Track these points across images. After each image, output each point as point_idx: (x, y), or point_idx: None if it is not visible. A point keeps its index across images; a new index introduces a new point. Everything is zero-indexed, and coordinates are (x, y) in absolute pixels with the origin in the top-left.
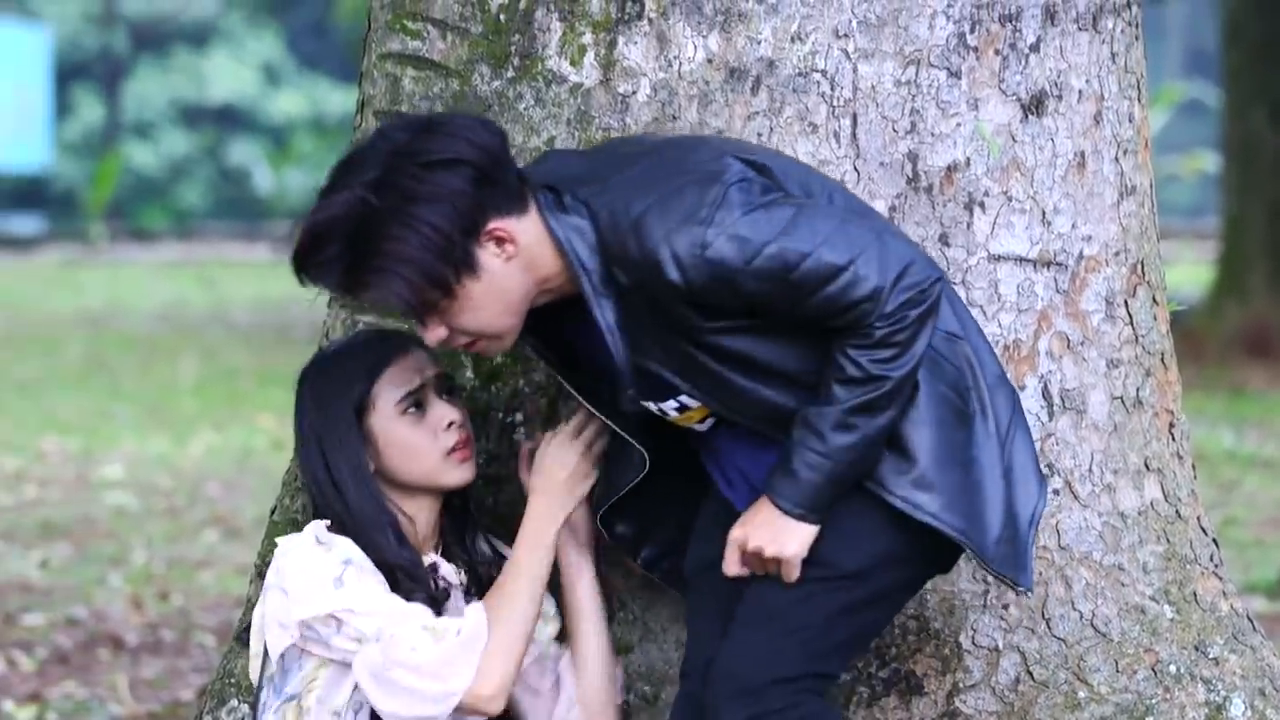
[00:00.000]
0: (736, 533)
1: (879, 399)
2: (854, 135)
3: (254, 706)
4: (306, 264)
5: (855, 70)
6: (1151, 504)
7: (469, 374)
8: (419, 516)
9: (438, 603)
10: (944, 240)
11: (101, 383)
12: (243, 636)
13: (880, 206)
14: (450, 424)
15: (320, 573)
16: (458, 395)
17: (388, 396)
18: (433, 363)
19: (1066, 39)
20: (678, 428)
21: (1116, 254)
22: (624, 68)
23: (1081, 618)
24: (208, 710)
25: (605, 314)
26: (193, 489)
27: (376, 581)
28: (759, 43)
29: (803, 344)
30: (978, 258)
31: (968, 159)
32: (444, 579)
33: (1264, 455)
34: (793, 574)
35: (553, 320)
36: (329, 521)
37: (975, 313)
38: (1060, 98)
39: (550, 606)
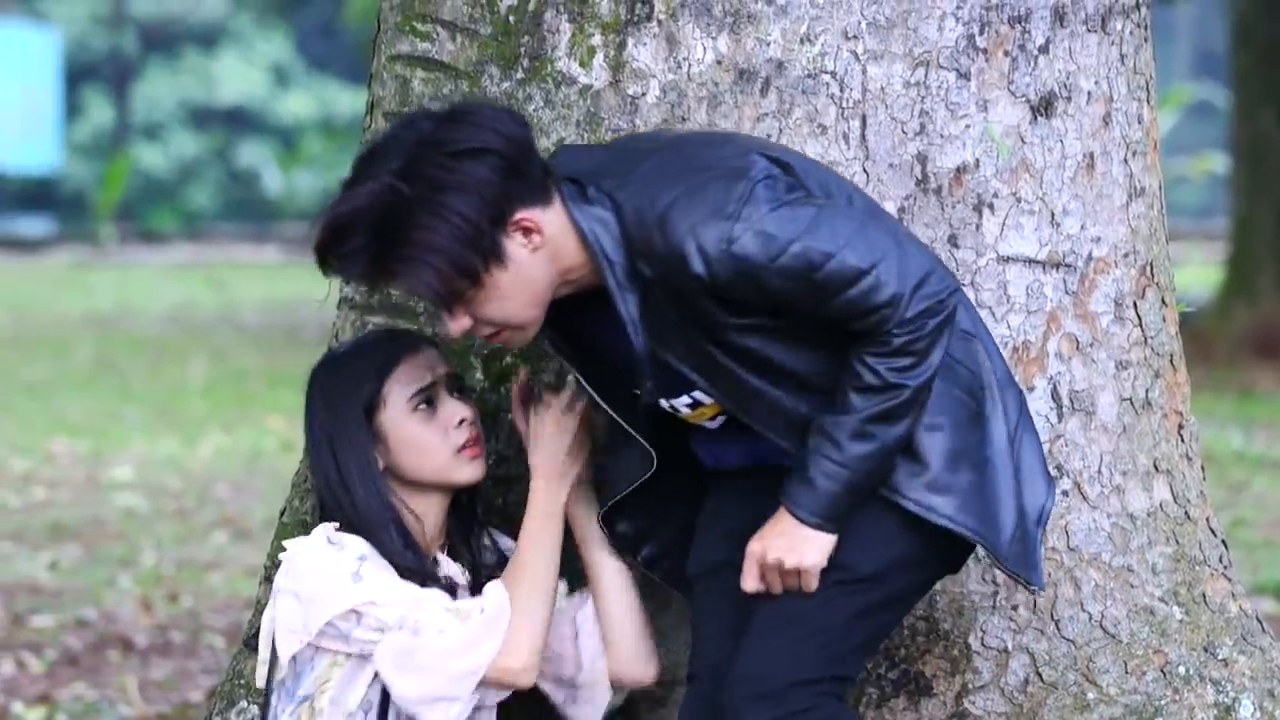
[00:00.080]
0: (754, 546)
1: (897, 408)
2: (863, 137)
3: (263, 712)
4: (331, 254)
5: (864, 72)
6: (1160, 505)
7: (478, 375)
8: (428, 515)
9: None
10: (953, 242)
11: (111, 384)
12: (251, 641)
13: (890, 208)
14: (461, 421)
15: (337, 571)
16: (468, 394)
17: (399, 394)
18: (443, 361)
19: (1075, 40)
20: (681, 426)
21: (1125, 255)
22: (633, 69)
23: (1090, 619)
24: (217, 712)
25: (628, 306)
26: (202, 490)
27: (391, 573)
28: (768, 44)
29: (820, 350)
30: (987, 259)
31: (977, 160)
32: (449, 578)
33: (1273, 456)
34: (812, 584)
35: (569, 314)
36: (337, 524)
37: (984, 314)
38: (1069, 99)
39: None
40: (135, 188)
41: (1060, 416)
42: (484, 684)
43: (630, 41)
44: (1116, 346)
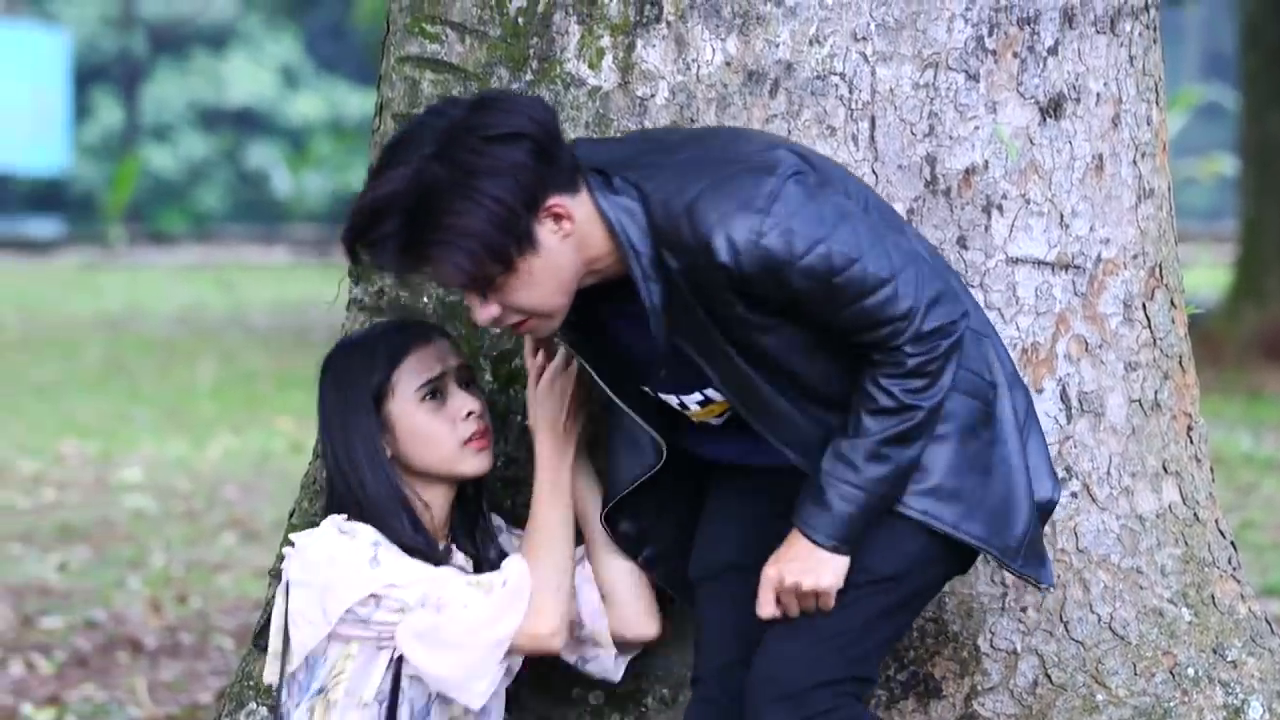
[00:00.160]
0: (770, 571)
1: (911, 430)
2: (872, 138)
3: (274, 709)
4: (363, 239)
5: (873, 73)
6: (1169, 507)
7: (488, 377)
8: (434, 504)
9: None
10: (962, 243)
11: (120, 386)
12: (260, 640)
13: (899, 209)
14: (469, 414)
15: (353, 558)
16: (478, 388)
17: (407, 383)
18: (454, 353)
19: (1085, 42)
20: (684, 425)
21: (1134, 257)
22: (642, 70)
23: (1100, 620)
24: (226, 713)
25: (652, 296)
26: (211, 492)
27: (405, 556)
28: (777, 45)
29: (834, 366)
30: (996, 260)
31: (986, 162)
32: (456, 566)
33: None
34: (829, 604)
35: (582, 306)
36: (345, 515)
37: (993, 315)
38: (1078, 101)
39: None
40: (144, 189)
41: (1069, 418)
42: (514, 652)
43: (639, 43)
44: (1125, 348)
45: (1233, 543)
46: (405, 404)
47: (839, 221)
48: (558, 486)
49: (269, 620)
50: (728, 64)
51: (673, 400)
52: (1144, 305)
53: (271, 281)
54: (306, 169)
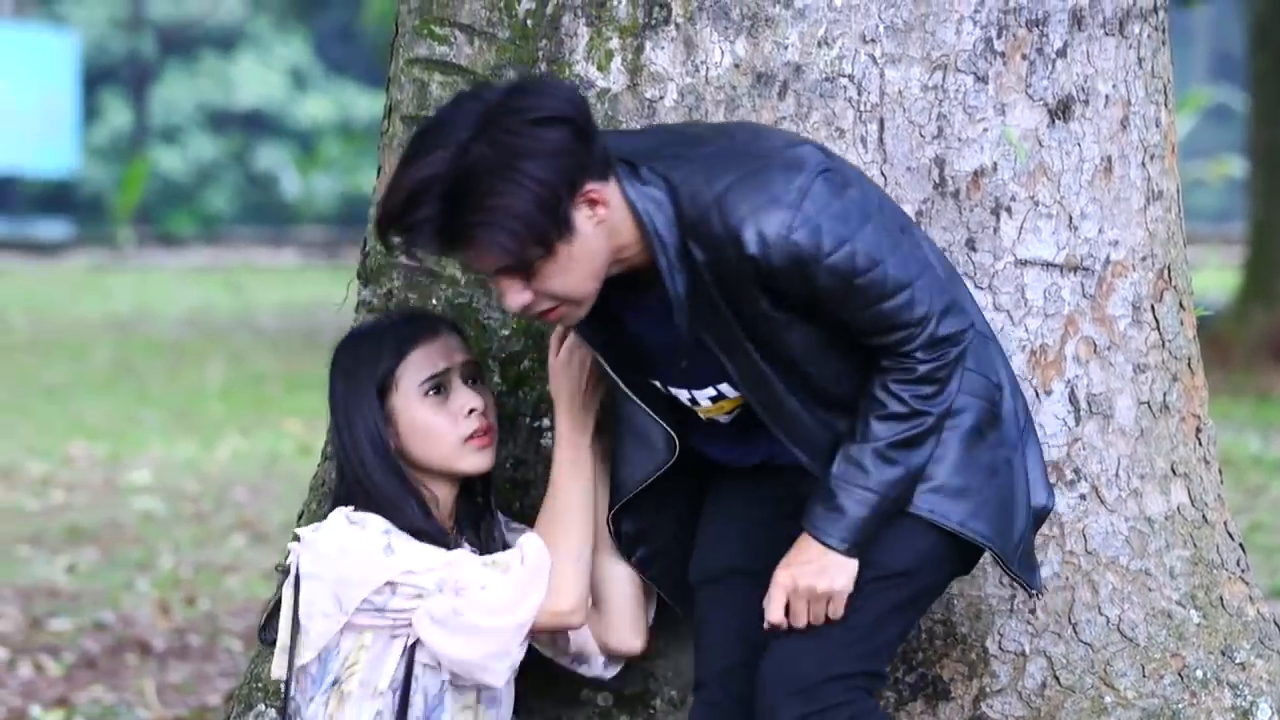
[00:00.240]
0: (782, 576)
1: (920, 435)
2: (881, 140)
3: (284, 703)
4: (402, 222)
5: (882, 75)
6: (1178, 509)
7: (496, 379)
8: (439, 498)
9: None
10: (971, 245)
11: (129, 388)
12: (263, 636)
13: (908, 211)
14: (471, 410)
15: (366, 547)
16: (484, 383)
17: (411, 378)
18: (461, 349)
19: (1093, 44)
20: (691, 422)
21: (1143, 259)
22: (651, 73)
23: (1108, 622)
24: (235, 715)
25: (677, 285)
26: (220, 494)
27: (417, 542)
28: (786, 48)
29: (845, 365)
30: (1004, 262)
31: (995, 164)
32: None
33: None
34: (840, 611)
35: (601, 297)
36: (353, 506)
37: (1002, 317)
38: (1087, 103)
39: None
40: (153, 191)
41: (1078, 420)
42: (536, 630)
43: (648, 45)
44: (1134, 350)
45: (1241, 545)
46: (408, 398)
47: (863, 221)
48: (577, 462)
49: (272, 614)
50: (736, 66)
51: (684, 395)
52: (1153, 307)
53: (280, 283)
54: (315, 171)
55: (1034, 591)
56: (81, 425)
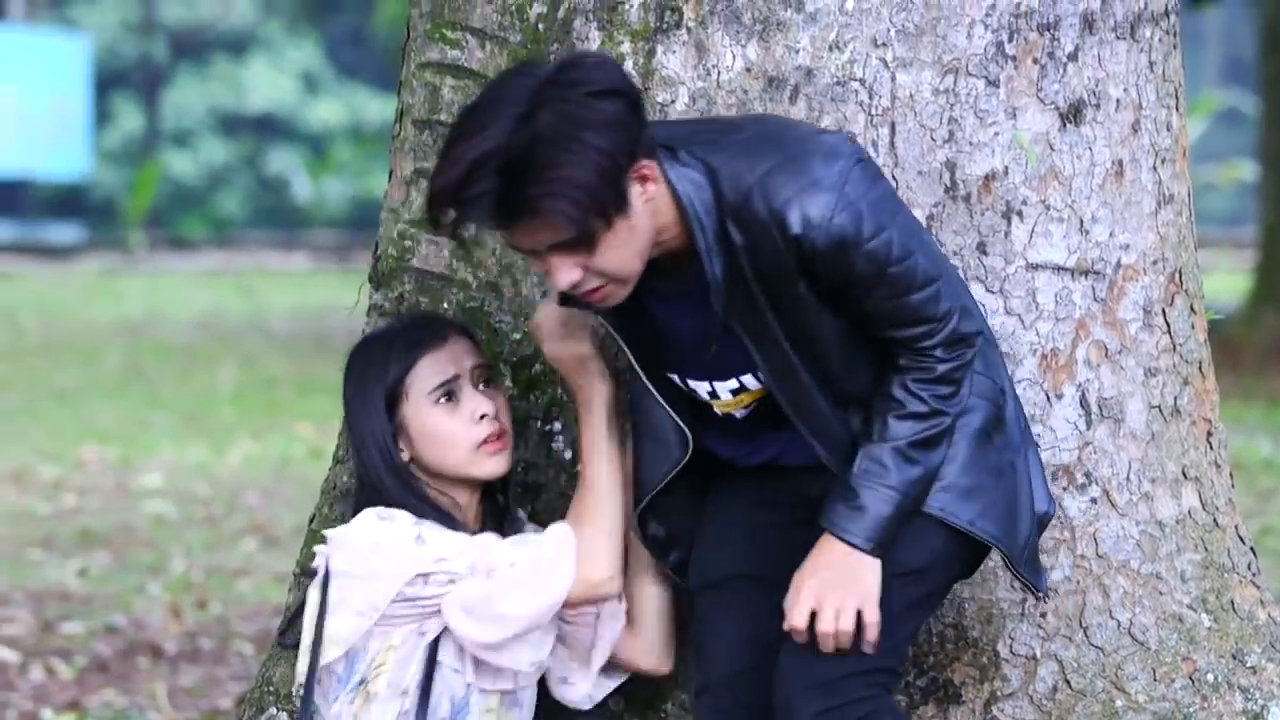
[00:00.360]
0: (810, 584)
1: (939, 435)
2: (892, 144)
3: (303, 703)
4: (459, 197)
5: (893, 79)
6: (1189, 512)
7: (508, 383)
8: (460, 504)
9: None
10: (982, 249)
11: (140, 391)
12: (283, 640)
13: (918, 215)
14: (482, 416)
15: (397, 540)
16: (498, 386)
17: (421, 386)
18: (471, 353)
19: (1105, 48)
20: (707, 416)
21: (1154, 263)
22: (662, 77)
23: (1119, 626)
24: (246, 718)
25: (715, 268)
26: (231, 498)
27: (447, 530)
28: (797, 52)
29: (863, 356)
30: (1015, 266)
31: (1006, 168)
32: None
33: None
34: (875, 616)
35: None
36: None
37: (1013, 321)
38: (1098, 106)
39: None
40: (165, 195)
41: (1089, 424)
42: (570, 602)
43: (659, 49)
44: (1145, 354)
45: (1252, 548)
46: (419, 406)
47: (897, 210)
48: (599, 431)
49: (294, 617)
50: (748, 70)
51: (703, 388)
52: (1164, 311)
53: (291, 287)
54: (327, 175)
55: (1040, 594)
56: (93, 429)
